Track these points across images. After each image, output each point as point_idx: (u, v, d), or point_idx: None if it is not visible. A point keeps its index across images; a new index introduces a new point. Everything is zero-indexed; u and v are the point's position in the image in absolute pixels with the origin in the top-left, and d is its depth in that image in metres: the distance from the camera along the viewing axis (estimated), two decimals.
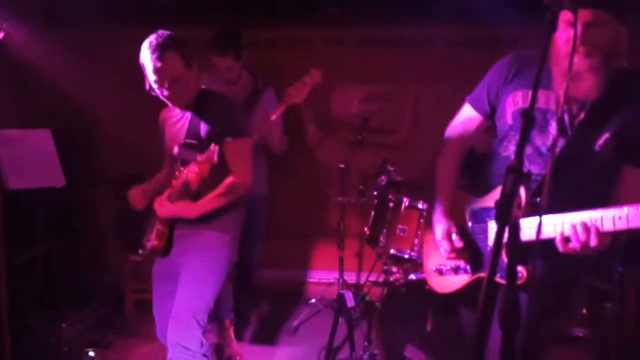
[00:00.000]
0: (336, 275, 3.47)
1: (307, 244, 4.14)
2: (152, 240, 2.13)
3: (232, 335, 3.17)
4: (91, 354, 2.96)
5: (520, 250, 1.21)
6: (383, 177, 3.08)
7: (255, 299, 3.76)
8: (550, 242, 1.40)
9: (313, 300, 3.63)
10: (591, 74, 1.44)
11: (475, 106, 1.80)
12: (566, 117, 1.50)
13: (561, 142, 1.53)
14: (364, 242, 3.13)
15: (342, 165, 3.42)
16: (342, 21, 3.77)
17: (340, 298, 2.91)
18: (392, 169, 3.13)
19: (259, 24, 3.71)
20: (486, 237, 1.67)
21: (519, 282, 1.44)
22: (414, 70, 3.82)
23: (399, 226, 2.85)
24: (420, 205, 2.83)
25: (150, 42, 1.98)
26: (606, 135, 1.48)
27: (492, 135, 1.81)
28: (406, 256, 2.81)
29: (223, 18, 3.58)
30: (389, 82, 3.87)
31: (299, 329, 3.40)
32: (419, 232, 2.79)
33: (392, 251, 2.85)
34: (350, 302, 2.87)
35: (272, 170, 3.26)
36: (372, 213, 3.05)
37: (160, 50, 1.95)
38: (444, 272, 1.77)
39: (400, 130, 3.93)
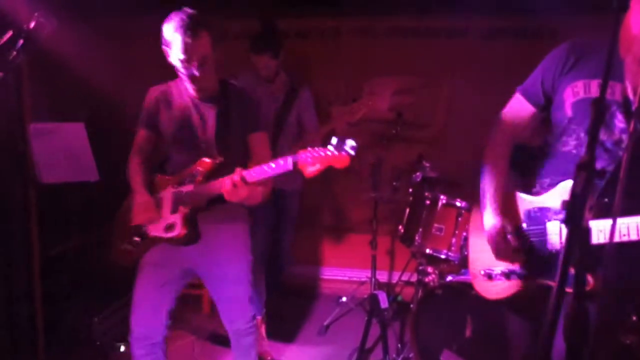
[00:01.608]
0: (368, 273, 3.38)
1: (339, 241, 4.07)
2: (176, 229, 2.02)
3: (264, 332, 3.13)
4: (122, 348, 2.96)
5: (589, 256, 1.10)
6: (418, 174, 2.97)
7: (287, 296, 3.71)
8: (617, 246, 1.28)
9: (344, 299, 3.55)
10: None
11: (528, 97, 1.68)
12: (634, 109, 1.37)
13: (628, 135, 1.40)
14: (398, 240, 3.04)
15: (373, 161, 3.32)
16: (373, 11, 3.67)
17: (374, 298, 2.84)
18: (427, 165, 3.01)
19: (289, 15, 3.64)
20: (545, 241, 1.55)
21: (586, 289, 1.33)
22: (447, 62, 3.69)
23: (436, 225, 2.75)
24: (458, 204, 2.72)
25: (182, 19, 1.93)
26: None
27: (546, 129, 1.68)
28: (443, 256, 2.71)
29: (252, 10, 3.53)
30: (421, 75, 3.75)
31: (329, 328, 3.33)
32: (457, 232, 2.69)
33: (428, 251, 2.75)
34: (383, 303, 2.79)
35: None
36: (407, 210, 2.96)
37: (193, 27, 1.92)
38: (494, 276, 1.66)
39: (434, 125, 3.81)
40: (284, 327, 3.36)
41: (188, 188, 2.05)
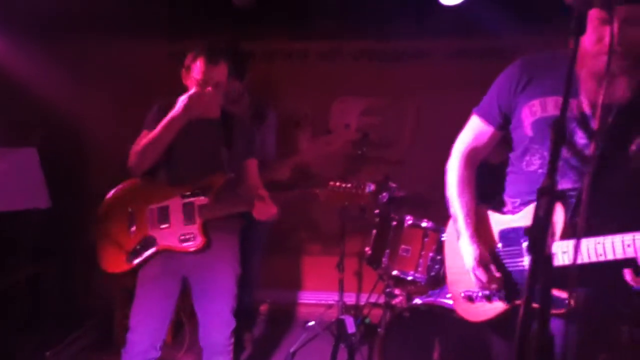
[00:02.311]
0: (335, 297, 3.32)
1: (307, 264, 4.01)
2: (196, 239, 2.12)
3: None
4: None
5: (563, 276, 1.09)
6: (385, 194, 2.95)
7: (251, 321, 3.60)
8: (595, 265, 1.28)
9: (312, 323, 3.47)
10: (625, 76, 1.34)
11: (485, 117, 1.68)
12: (592, 124, 1.38)
13: (590, 151, 1.41)
14: (365, 262, 3.00)
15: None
16: (339, 34, 3.70)
17: (341, 323, 2.78)
18: (393, 185, 3.01)
19: (256, 37, 3.64)
20: (522, 261, 1.53)
21: (563, 310, 1.32)
22: (412, 83, 3.75)
23: (402, 246, 2.73)
24: (424, 224, 2.71)
25: (209, 47, 2.20)
26: (639, 139, 1.37)
27: (506, 145, 1.68)
28: (410, 278, 2.69)
29: (219, 31, 3.51)
30: (387, 95, 3.78)
31: (296, 355, 3.24)
32: (423, 252, 2.67)
33: (394, 272, 2.73)
34: (351, 327, 2.74)
35: (268, 187, 3.13)
36: (374, 232, 2.93)
37: (217, 55, 2.18)
38: (475, 299, 1.63)
39: (400, 144, 3.83)
40: (249, 355, 3.26)
41: (202, 201, 2.14)
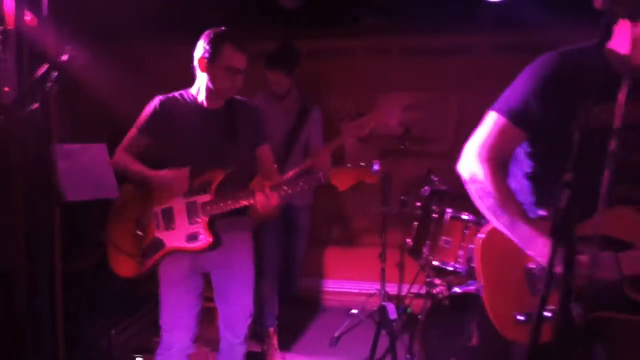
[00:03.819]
0: (377, 286, 3.44)
1: (349, 254, 4.13)
2: (202, 238, 2.08)
3: (276, 344, 3.20)
4: (139, 359, 3.04)
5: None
6: (426, 188, 3.05)
7: (298, 308, 3.78)
8: None
9: (354, 311, 3.61)
10: None
11: (520, 124, 1.50)
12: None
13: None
14: (406, 253, 3.10)
15: (381, 175, 3.39)
16: (385, 31, 3.78)
17: (383, 310, 2.90)
18: (435, 179, 3.09)
19: (303, 35, 3.75)
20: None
21: None
22: (455, 78, 3.78)
23: (443, 237, 2.82)
24: (464, 217, 2.79)
25: (231, 34, 2.11)
26: None
27: None
28: (450, 268, 2.78)
29: (269, 31, 3.66)
30: (431, 91, 3.84)
31: (340, 340, 3.39)
32: (463, 244, 2.75)
33: (435, 263, 2.82)
34: (392, 314, 2.85)
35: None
36: (415, 224, 3.03)
37: (243, 43, 2.11)
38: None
39: (443, 139, 3.88)
40: (296, 339, 3.43)
41: (204, 198, 2.09)
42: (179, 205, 2.14)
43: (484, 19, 3.43)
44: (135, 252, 2.18)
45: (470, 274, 2.71)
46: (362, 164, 2.03)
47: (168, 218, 2.15)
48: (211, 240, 2.08)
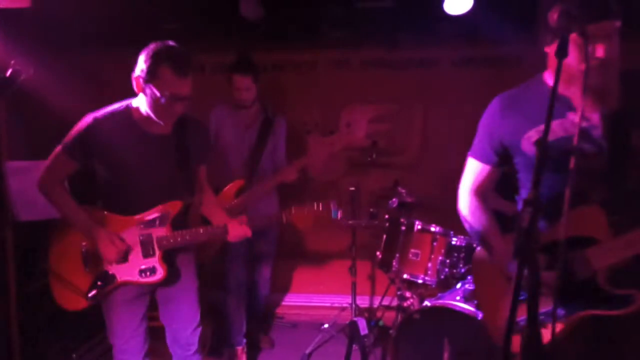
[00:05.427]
0: (349, 299, 3.40)
1: (320, 268, 4.09)
2: (158, 272, 2.01)
3: None
4: None
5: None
6: (394, 199, 3.04)
7: (267, 324, 3.71)
8: None
9: (326, 326, 3.56)
10: (616, 85, 1.45)
11: (481, 159, 1.76)
12: (594, 133, 1.47)
13: (604, 154, 1.49)
14: (376, 266, 3.08)
15: (352, 188, 3.38)
16: (346, 44, 3.79)
17: (353, 325, 2.86)
18: (403, 190, 3.09)
19: (266, 48, 3.73)
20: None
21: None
22: (419, 91, 3.82)
23: (412, 250, 2.81)
24: (433, 229, 2.79)
25: (172, 54, 1.84)
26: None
27: None
28: (420, 281, 2.77)
29: (230, 43, 3.62)
30: (394, 103, 3.86)
31: (311, 356, 3.33)
32: (432, 256, 2.75)
33: (405, 276, 2.81)
34: (363, 329, 2.82)
35: (281, 194, 3.23)
36: (384, 237, 3.02)
37: (185, 66, 1.84)
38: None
39: (408, 150, 3.90)
40: (266, 357, 3.36)
41: (160, 232, 2.01)
42: (132, 238, 2.02)
43: (445, 33, 3.48)
44: (83, 288, 2.04)
45: (439, 287, 2.71)
46: (321, 207, 2.22)
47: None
48: (165, 274, 2.03)
